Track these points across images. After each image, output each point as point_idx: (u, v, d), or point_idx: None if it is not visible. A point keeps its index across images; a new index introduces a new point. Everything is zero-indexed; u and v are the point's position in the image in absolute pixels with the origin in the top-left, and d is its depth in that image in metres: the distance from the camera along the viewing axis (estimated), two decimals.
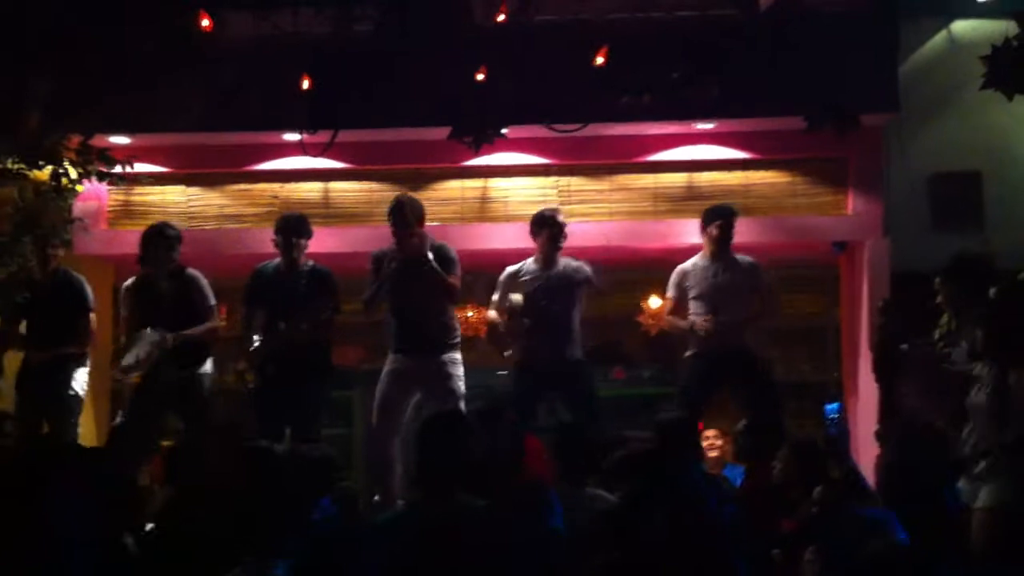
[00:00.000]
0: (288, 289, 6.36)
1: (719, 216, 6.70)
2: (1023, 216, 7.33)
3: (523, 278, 6.56)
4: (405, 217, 6.23)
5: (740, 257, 6.72)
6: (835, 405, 6.30)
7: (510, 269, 6.65)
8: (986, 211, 7.50)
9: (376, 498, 6.24)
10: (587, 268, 6.61)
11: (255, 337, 6.33)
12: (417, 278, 6.17)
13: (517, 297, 6.46)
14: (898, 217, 7.49)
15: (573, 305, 6.53)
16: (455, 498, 3.80)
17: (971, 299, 5.82)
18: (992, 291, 5.36)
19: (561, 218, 6.62)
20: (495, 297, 6.67)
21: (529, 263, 6.63)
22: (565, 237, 6.58)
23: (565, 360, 6.46)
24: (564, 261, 6.62)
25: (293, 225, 6.46)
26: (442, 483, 3.83)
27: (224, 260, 7.43)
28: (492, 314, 6.70)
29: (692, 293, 6.66)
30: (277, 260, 6.50)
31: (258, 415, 6.29)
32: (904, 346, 6.44)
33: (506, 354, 6.69)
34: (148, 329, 6.29)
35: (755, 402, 6.41)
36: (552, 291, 6.49)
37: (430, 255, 6.15)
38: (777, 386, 6.66)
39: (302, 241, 6.44)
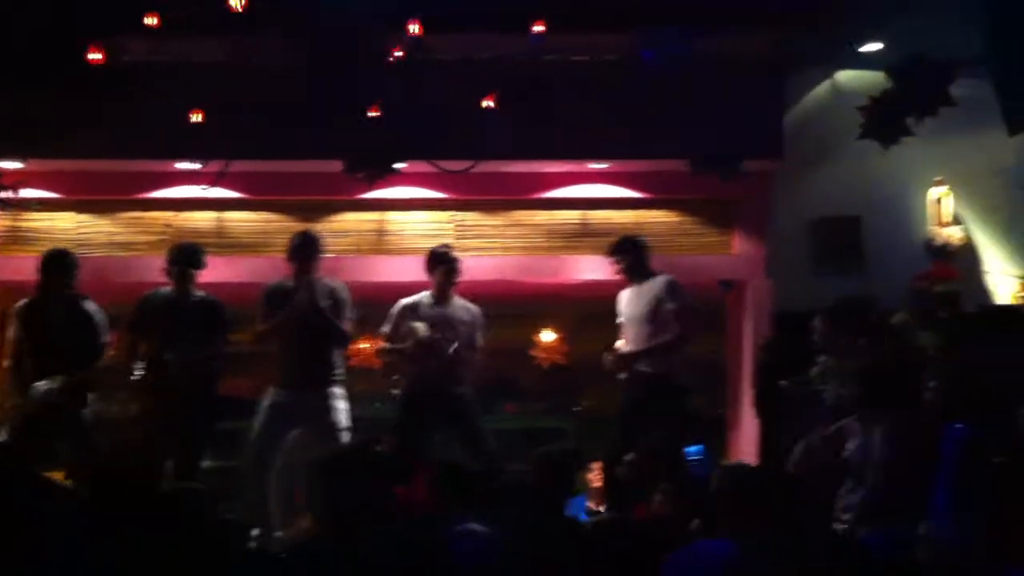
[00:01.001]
0: (177, 319, 6.31)
1: (614, 252, 6.80)
2: (900, 260, 7.61)
3: (418, 311, 6.63)
4: (308, 256, 6.28)
5: (657, 281, 6.70)
6: (698, 447, 6.42)
7: (405, 302, 6.71)
8: (866, 255, 7.78)
9: (255, 531, 6.19)
10: (479, 317, 6.71)
11: (138, 366, 6.25)
12: (306, 322, 6.26)
13: (421, 325, 6.49)
14: (782, 259, 7.73)
15: (464, 341, 6.62)
16: (359, 531, 3.80)
17: (847, 340, 6.07)
18: (862, 342, 5.59)
19: (455, 255, 6.72)
20: (386, 328, 6.71)
21: (425, 297, 6.70)
22: (459, 274, 6.68)
23: (453, 393, 6.55)
24: (458, 300, 6.72)
25: (187, 255, 6.42)
26: (346, 518, 3.83)
27: (112, 287, 7.31)
28: (384, 344, 6.75)
29: (622, 320, 6.75)
30: (167, 289, 6.45)
31: (139, 446, 6.19)
32: (783, 383, 6.68)
33: (394, 391, 6.76)
34: (38, 385, 6.14)
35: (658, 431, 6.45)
36: (444, 326, 6.57)
37: (322, 304, 6.23)
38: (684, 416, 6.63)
39: (195, 271, 6.40)
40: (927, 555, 4.42)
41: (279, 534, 6.20)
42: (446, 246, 6.85)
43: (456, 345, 6.52)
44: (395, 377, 6.83)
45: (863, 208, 7.78)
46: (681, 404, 6.62)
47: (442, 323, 6.58)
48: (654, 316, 6.58)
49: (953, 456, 5.36)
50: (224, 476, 7.21)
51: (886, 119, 5.92)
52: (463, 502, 4.84)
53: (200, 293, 6.45)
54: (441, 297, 6.66)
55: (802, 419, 6.51)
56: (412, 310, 6.65)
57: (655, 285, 6.66)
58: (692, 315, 6.63)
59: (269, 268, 7.28)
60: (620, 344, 6.73)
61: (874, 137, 6.11)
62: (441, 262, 6.66)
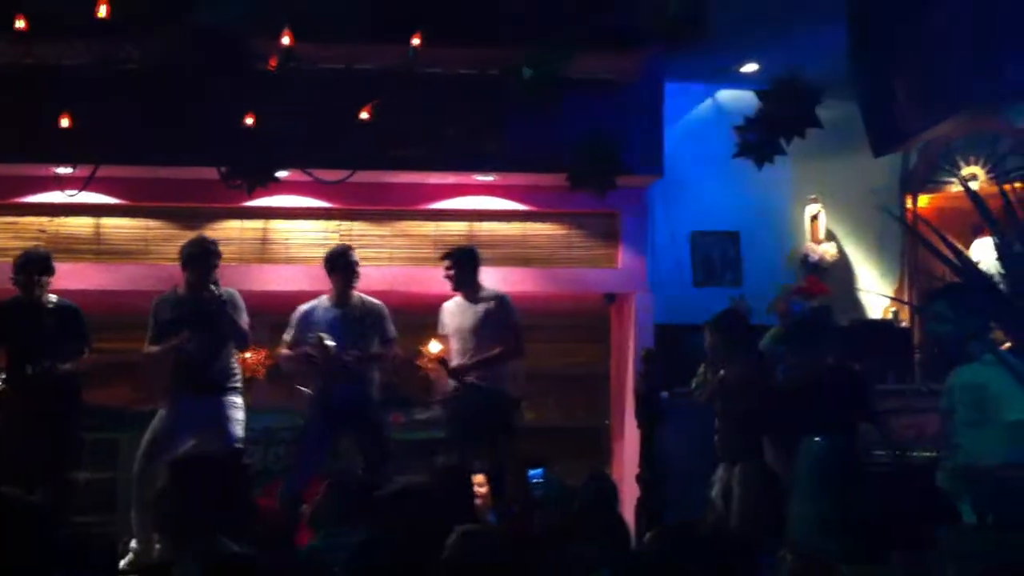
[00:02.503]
0: (32, 328, 6.11)
1: (445, 258, 6.85)
2: (777, 273, 7.83)
3: (318, 315, 6.55)
4: (209, 264, 6.21)
5: (489, 292, 6.77)
6: (539, 471, 6.52)
7: (304, 307, 6.62)
8: (744, 268, 7.98)
9: (133, 543, 6.07)
10: (383, 309, 6.64)
11: None
12: (204, 326, 6.16)
13: (329, 340, 6.39)
14: (663, 272, 7.89)
15: (366, 344, 6.54)
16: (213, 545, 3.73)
17: (727, 352, 6.25)
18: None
19: (355, 256, 6.65)
20: (288, 336, 6.61)
21: (324, 300, 6.62)
22: (358, 276, 6.62)
23: (357, 400, 6.46)
24: (356, 298, 6.64)
25: (36, 262, 6.20)
26: (198, 530, 3.75)
27: None
28: (285, 351, 6.63)
29: (448, 331, 6.78)
30: (18, 296, 6.23)
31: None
32: (664, 394, 6.82)
33: (304, 391, 6.65)
34: None
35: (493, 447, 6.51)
36: (348, 327, 6.50)
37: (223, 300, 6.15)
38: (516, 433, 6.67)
39: (45, 278, 6.18)
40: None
41: (132, 549, 6.05)
42: (346, 246, 6.77)
43: (357, 354, 6.43)
44: (299, 387, 6.72)
45: (742, 223, 7.99)
46: (512, 417, 6.68)
47: (345, 325, 6.49)
48: (485, 330, 6.61)
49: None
50: (101, 489, 7.08)
51: (759, 138, 6.09)
52: (347, 514, 4.82)
53: (55, 299, 6.25)
54: (341, 299, 6.58)
55: (680, 429, 6.71)
56: (309, 315, 6.56)
57: (488, 299, 6.71)
58: (521, 333, 6.71)
59: (148, 276, 7.16)
60: (438, 352, 6.73)
61: (748, 156, 6.29)
62: (340, 263, 6.59)
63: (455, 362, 6.64)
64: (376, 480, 5.85)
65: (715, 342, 6.28)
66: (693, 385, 6.50)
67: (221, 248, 7.39)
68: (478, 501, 7.04)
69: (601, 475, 6.03)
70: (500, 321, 6.62)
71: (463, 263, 6.75)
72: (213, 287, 6.24)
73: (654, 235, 7.94)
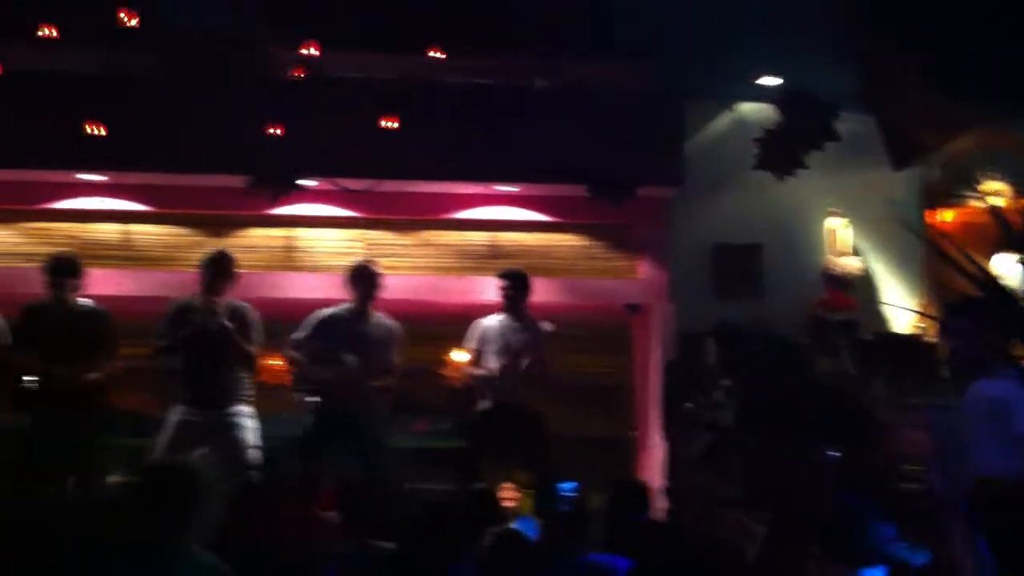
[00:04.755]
0: (62, 330, 6.22)
1: (504, 278, 6.96)
2: (798, 286, 7.81)
3: (335, 326, 6.59)
4: (217, 275, 6.29)
5: (539, 323, 6.93)
6: (571, 484, 6.55)
7: (324, 312, 6.66)
8: (765, 280, 7.97)
9: None
10: (397, 334, 6.69)
11: (27, 379, 6.17)
12: (211, 341, 6.23)
13: (352, 359, 6.43)
14: (685, 283, 7.89)
15: (379, 357, 6.59)
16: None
17: (739, 362, 6.25)
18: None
19: (377, 270, 6.70)
20: (300, 335, 6.63)
21: (343, 310, 6.66)
22: (380, 289, 6.67)
23: (362, 411, 6.52)
24: (376, 316, 6.69)
25: (63, 266, 6.31)
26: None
27: (14, 298, 7.22)
28: (291, 351, 6.67)
29: (488, 348, 6.86)
30: (48, 299, 6.33)
31: (31, 459, 6.08)
32: (689, 404, 6.82)
33: (308, 399, 6.70)
34: None
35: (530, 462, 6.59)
36: (361, 342, 6.54)
37: (228, 324, 6.20)
38: (550, 448, 6.77)
39: (73, 281, 6.29)
40: None
41: None
42: (369, 261, 6.81)
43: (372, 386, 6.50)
44: (300, 391, 6.78)
45: (764, 235, 7.99)
46: (546, 436, 6.78)
47: (357, 340, 6.55)
48: (527, 353, 6.76)
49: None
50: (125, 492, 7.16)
51: (779, 151, 6.11)
52: (374, 522, 4.85)
53: (85, 303, 6.34)
54: (360, 312, 6.63)
55: (704, 440, 6.70)
56: (326, 322, 6.61)
57: (540, 327, 6.89)
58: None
59: (175, 282, 7.24)
60: (466, 364, 6.86)
61: (769, 168, 6.31)
62: (361, 277, 6.64)
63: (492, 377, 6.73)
64: (383, 489, 5.92)
65: (720, 356, 6.29)
66: (717, 397, 6.50)
67: (246, 256, 7.53)
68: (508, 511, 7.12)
69: (631, 482, 6.00)
70: (540, 347, 6.81)
71: (521, 286, 6.89)
72: (226, 300, 6.27)
73: (676, 246, 7.94)
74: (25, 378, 6.16)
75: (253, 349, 6.39)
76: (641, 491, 5.61)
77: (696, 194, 7.74)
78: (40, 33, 5.59)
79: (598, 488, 6.84)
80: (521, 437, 6.65)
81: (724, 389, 6.48)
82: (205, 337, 6.25)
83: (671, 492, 6.56)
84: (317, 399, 6.62)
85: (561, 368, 7.05)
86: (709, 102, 7.80)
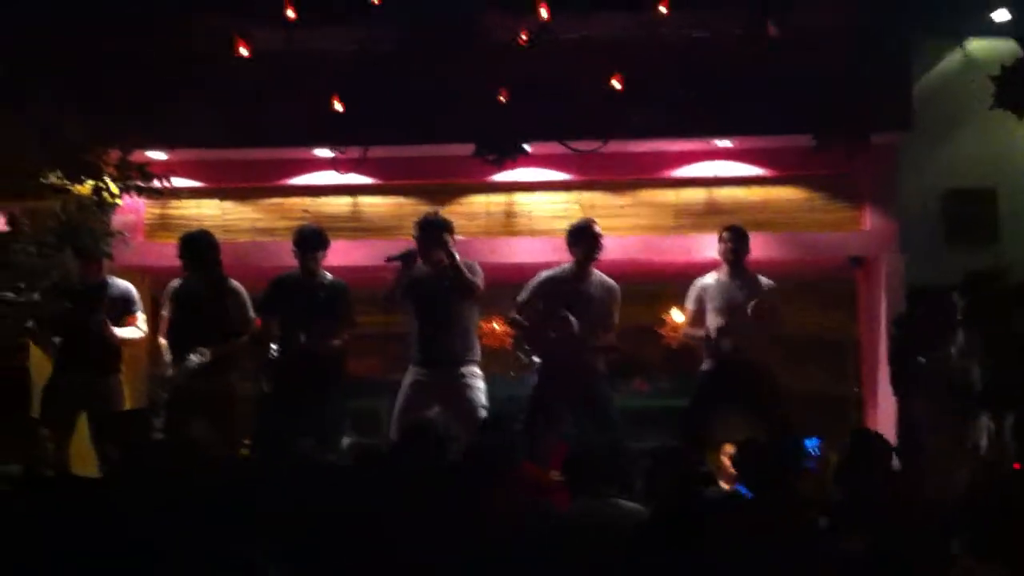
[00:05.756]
0: (306, 301, 6.54)
1: (725, 233, 6.89)
2: None
3: (557, 287, 6.65)
4: (432, 236, 6.45)
5: (760, 277, 6.85)
6: (815, 440, 6.40)
7: (545, 274, 6.73)
8: (1000, 227, 7.59)
9: None
10: (616, 295, 6.71)
11: (272, 347, 6.53)
12: (442, 291, 6.40)
13: (574, 320, 6.48)
14: (913, 233, 7.60)
15: (601, 317, 6.63)
16: None
17: (984, 314, 5.99)
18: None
19: (598, 230, 6.72)
20: (523, 296, 6.72)
21: (565, 270, 6.72)
22: (600, 249, 6.70)
23: (587, 371, 6.58)
24: (597, 275, 6.73)
25: (308, 237, 6.65)
26: None
27: (255, 272, 7.65)
28: (514, 314, 6.77)
29: (710, 306, 6.81)
30: (295, 272, 6.68)
31: (272, 424, 6.41)
32: (921, 359, 6.59)
33: (533, 358, 6.80)
34: (192, 356, 6.46)
35: (761, 420, 6.50)
36: (580, 304, 6.59)
37: (456, 255, 6.37)
38: (783, 404, 6.70)
39: (319, 253, 6.61)
40: None
41: None
42: (589, 220, 6.85)
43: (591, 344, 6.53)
44: (521, 354, 6.91)
45: (998, 179, 7.60)
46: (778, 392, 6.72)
47: (578, 301, 6.60)
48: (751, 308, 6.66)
49: None
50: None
51: (1020, 88, 5.80)
52: (607, 481, 4.90)
53: (328, 276, 6.66)
54: (581, 272, 6.68)
55: (941, 397, 6.46)
56: (548, 282, 6.69)
57: (761, 282, 6.81)
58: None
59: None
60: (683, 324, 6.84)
61: (1008, 107, 6.00)
62: (582, 237, 6.68)
63: (715, 335, 6.70)
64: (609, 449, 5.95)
65: (965, 308, 6.02)
66: (952, 351, 6.25)
67: (467, 223, 7.72)
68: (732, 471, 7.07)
69: (867, 433, 5.83)
70: (774, 305, 6.73)
71: (742, 241, 6.82)
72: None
73: (902, 194, 7.65)
74: (272, 347, 6.54)
75: (479, 283, 6.48)
76: (882, 444, 5.45)
77: (924, 138, 7.43)
78: (286, 15, 5.86)
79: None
80: (751, 393, 6.59)
81: (965, 344, 6.24)
82: (434, 285, 6.42)
83: (902, 450, 6.35)
84: (540, 360, 6.73)
85: (783, 324, 6.90)
86: (936, 40, 7.45)
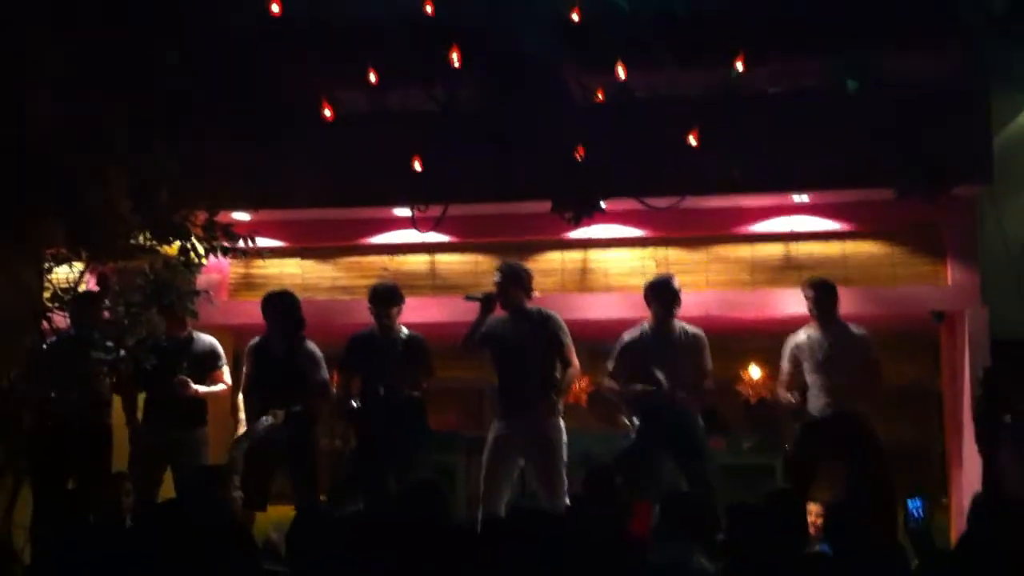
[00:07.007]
0: (384, 355, 6.67)
1: (810, 288, 6.82)
2: None
3: (642, 346, 6.64)
4: (513, 280, 6.54)
5: (852, 327, 6.76)
6: (918, 501, 6.25)
7: (627, 336, 6.73)
8: None
9: None
10: (703, 340, 6.70)
11: (354, 402, 6.64)
12: (523, 340, 6.45)
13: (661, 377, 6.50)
14: (994, 286, 7.48)
15: (692, 366, 6.61)
16: None
17: None
18: None
19: (677, 285, 6.71)
20: (611, 364, 6.72)
21: (645, 328, 6.71)
22: (680, 304, 6.68)
23: (681, 424, 6.53)
24: (680, 326, 6.71)
25: (382, 295, 6.78)
26: None
27: (337, 329, 7.76)
28: (608, 382, 6.76)
29: (806, 366, 6.72)
30: (372, 328, 6.80)
31: (360, 473, 6.51)
32: (1007, 417, 6.44)
33: (634, 420, 6.70)
34: (263, 419, 6.61)
35: (861, 477, 6.39)
36: (669, 355, 6.57)
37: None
38: (886, 463, 6.57)
39: (393, 309, 6.74)
40: None
41: None
42: (668, 275, 6.85)
43: (683, 396, 6.52)
44: (625, 419, 6.85)
45: None
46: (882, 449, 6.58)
47: (664, 355, 6.58)
48: (859, 364, 6.61)
49: None
50: None
51: None
52: (687, 533, 4.85)
53: (405, 330, 6.78)
54: (660, 328, 6.68)
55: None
56: (632, 344, 6.68)
57: (856, 333, 6.70)
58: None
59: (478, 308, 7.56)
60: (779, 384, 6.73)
61: None
62: (662, 292, 6.67)
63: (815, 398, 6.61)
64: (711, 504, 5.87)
65: None
66: None
67: (544, 280, 7.76)
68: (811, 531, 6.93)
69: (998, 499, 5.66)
70: (872, 360, 6.68)
71: (824, 291, 6.74)
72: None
73: (983, 246, 7.54)
74: (353, 402, 6.65)
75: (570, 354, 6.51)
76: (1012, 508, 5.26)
77: (1005, 190, 7.34)
78: (369, 79, 6.01)
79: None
80: (855, 449, 6.46)
81: None
82: (516, 332, 6.49)
83: (986, 507, 6.17)
84: (639, 421, 6.65)
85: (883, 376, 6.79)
86: (1017, 92, 7.38)
